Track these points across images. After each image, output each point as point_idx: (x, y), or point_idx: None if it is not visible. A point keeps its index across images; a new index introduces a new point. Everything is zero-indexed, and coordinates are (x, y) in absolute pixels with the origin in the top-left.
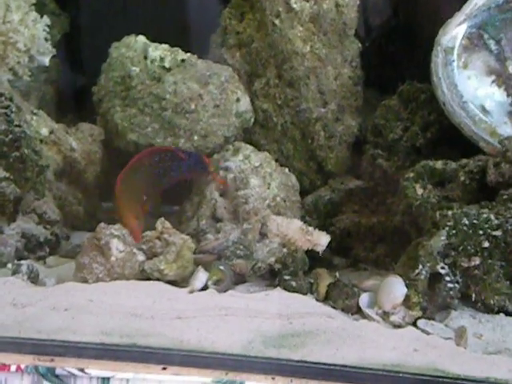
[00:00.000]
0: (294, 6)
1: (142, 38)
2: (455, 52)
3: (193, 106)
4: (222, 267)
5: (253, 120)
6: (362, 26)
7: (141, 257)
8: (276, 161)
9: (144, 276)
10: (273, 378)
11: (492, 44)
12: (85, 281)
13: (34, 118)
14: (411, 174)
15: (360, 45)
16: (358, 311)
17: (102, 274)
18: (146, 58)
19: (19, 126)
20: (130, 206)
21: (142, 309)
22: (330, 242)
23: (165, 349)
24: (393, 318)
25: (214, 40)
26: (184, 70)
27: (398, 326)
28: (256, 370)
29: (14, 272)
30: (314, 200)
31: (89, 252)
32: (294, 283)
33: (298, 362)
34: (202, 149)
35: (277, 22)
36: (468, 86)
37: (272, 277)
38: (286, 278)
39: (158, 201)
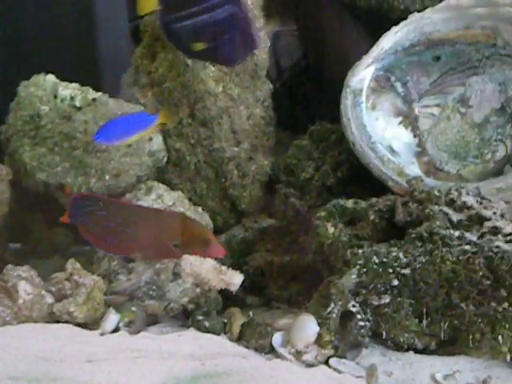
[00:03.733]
0: None
1: (51, 77)
2: (363, 94)
3: (104, 145)
4: (133, 308)
5: (165, 159)
6: (273, 67)
7: (49, 299)
8: (189, 200)
9: (53, 319)
10: None
11: (399, 86)
12: None
13: None
14: (323, 213)
15: (271, 86)
16: (271, 350)
17: (9, 317)
18: (55, 96)
19: None
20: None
21: (50, 352)
22: (243, 281)
23: None
24: (305, 357)
25: (126, 79)
26: (95, 109)
27: (310, 365)
28: None
29: None
30: (228, 239)
31: None
32: (207, 323)
33: None
34: (113, 188)
35: (189, 62)
36: (376, 127)
37: (185, 317)
38: (199, 318)
39: None
